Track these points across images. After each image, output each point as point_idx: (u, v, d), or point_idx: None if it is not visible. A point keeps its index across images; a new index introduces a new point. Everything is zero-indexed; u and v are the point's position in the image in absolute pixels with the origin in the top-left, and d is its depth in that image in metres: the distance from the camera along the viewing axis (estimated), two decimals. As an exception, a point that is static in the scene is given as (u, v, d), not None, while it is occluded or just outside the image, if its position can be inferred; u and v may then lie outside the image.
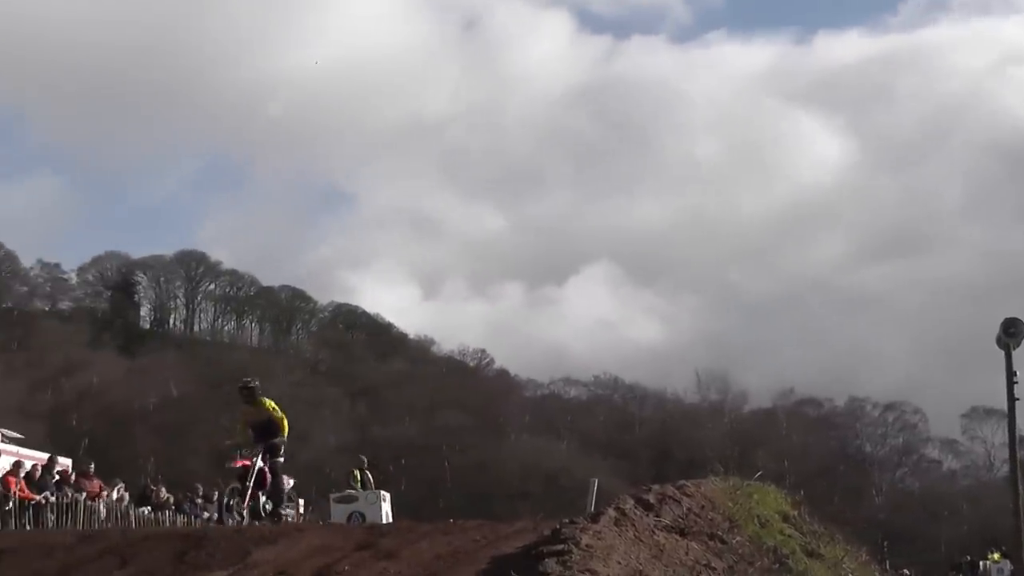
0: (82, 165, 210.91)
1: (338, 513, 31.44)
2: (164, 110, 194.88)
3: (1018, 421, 26.31)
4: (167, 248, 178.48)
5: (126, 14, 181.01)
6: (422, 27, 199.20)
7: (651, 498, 17.87)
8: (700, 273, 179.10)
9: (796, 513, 22.10)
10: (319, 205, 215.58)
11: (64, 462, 31.99)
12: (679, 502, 18.27)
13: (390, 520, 30.59)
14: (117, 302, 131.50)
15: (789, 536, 20.06)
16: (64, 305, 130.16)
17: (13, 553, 17.57)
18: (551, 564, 13.30)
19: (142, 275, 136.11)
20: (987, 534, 70.32)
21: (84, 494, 28.78)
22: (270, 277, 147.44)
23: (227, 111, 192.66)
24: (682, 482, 19.88)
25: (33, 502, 26.79)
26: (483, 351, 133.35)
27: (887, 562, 36.48)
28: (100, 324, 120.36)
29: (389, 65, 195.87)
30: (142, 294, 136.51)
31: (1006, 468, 44.68)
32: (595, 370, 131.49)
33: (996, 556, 51.35)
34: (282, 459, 22.70)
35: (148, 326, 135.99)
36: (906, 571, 52.71)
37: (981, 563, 54.57)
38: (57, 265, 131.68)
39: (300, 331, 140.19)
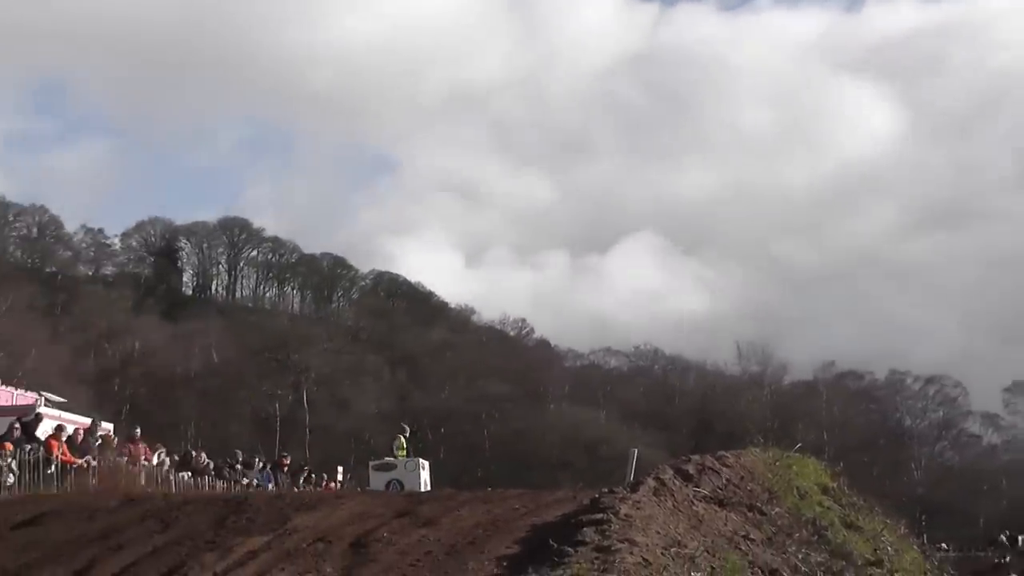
0: (128, 131, 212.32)
1: (377, 481, 31.61)
2: (211, 77, 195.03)
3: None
4: (211, 214, 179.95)
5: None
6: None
7: (690, 469, 17.89)
8: (744, 244, 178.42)
9: (835, 485, 22.07)
10: (364, 173, 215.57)
11: (106, 426, 32.25)
12: (718, 473, 18.28)
13: (428, 488, 30.72)
14: (160, 268, 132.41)
15: (828, 508, 20.04)
16: (108, 270, 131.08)
17: (57, 516, 17.80)
18: (590, 533, 13.34)
19: (185, 241, 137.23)
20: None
21: (126, 459, 29.05)
22: (312, 244, 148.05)
23: (274, 78, 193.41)
24: (721, 453, 19.88)
25: (75, 465, 27.00)
26: (523, 320, 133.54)
27: (925, 536, 36.30)
28: (143, 290, 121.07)
29: (438, 34, 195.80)
30: (185, 260, 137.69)
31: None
32: (636, 340, 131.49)
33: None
34: None
35: (191, 292, 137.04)
36: (944, 545, 52.37)
37: (1020, 538, 54.26)
38: (101, 230, 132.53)
39: (341, 299, 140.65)
